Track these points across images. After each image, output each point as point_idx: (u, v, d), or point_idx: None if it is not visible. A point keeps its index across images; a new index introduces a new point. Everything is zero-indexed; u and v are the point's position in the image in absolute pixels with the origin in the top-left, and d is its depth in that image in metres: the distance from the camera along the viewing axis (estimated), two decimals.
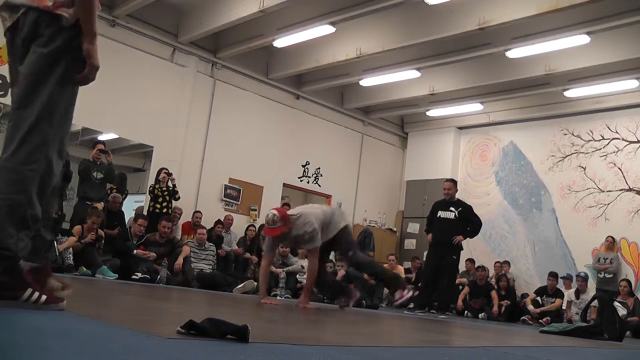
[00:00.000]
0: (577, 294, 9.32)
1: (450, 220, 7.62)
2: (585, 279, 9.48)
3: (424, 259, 8.81)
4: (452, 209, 7.66)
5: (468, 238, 7.97)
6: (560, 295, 9.54)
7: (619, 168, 10.69)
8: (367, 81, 10.98)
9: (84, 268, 6.63)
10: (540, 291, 9.79)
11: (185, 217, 9.10)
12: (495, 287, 9.96)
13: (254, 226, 10.04)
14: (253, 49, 9.97)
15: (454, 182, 8.07)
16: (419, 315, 7.23)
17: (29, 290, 2.05)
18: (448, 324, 6.17)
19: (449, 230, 7.55)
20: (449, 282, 7.85)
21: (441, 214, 7.72)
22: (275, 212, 5.14)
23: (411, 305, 8.66)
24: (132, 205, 9.32)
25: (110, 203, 8.17)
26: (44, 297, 2.08)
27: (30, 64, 2.09)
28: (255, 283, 8.16)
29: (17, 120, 2.06)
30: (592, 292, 9.39)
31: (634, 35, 8.41)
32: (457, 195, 8.06)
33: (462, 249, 7.84)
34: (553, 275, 9.72)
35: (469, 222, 7.76)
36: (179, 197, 8.73)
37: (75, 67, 2.15)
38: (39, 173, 2.06)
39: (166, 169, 8.71)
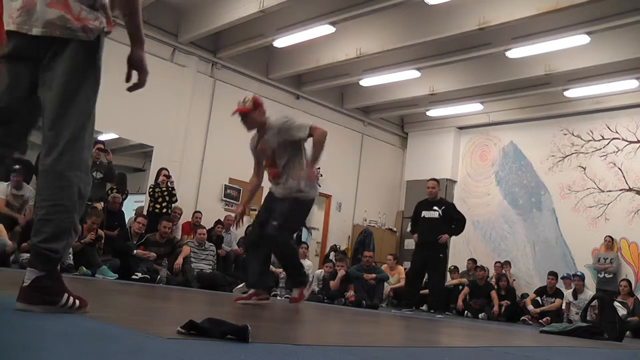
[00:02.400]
0: (575, 294, 9.32)
1: (434, 219, 7.73)
2: (582, 278, 9.48)
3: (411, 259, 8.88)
4: (435, 208, 7.77)
5: (453, 235, 8.12)
6: (560, 295, 9.54)
7: (619, 168, 10.69)
8: (367, 81, 10.98)
9: (84, 268, 6.62)
10: (540, 291, 9.78)
11: (185, 217, 9.09)
12: (495, 287, 9.96)
13: None
14: (253, 49, 9.97)
15: (437, 181, 8.17)
16: (407, 314, 7.27)
17: (66, 295, 2.05)
18: (448, 324, 6.17)
19: (434, 229, 7.65)
20: (439, 281, 7.94)
21: (425, 213, 7.84)
22: (247, 97, 4.75)
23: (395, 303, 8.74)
24: (132, 205, 9.32)
25: (110, 203, 8.16)
26: (77, 301, 2.09)
27: (66, 73, 2.04)
28: None
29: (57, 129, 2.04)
30: (591, 292, 9.39)
31: (634, 35, 8.41)
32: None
33: (448, 247, 7.92)
34: (553, 275, 9.71)
35: (453, 220, 7.85)
36: (176, 200, 8.71)
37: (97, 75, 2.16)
38: (82, 180, 2.06)
39: (166, 169, 8.70)
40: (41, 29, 1.99)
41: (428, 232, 7.68)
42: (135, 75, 2.23)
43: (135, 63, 2.22)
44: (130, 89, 2.25)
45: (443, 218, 7.72)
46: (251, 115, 4.73)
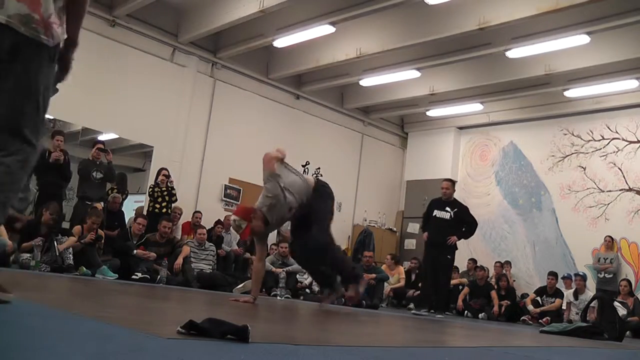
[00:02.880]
0: (576, 294, 9.31)
1: (445, 220, 7.63)
2: (584, 278, 9.47)
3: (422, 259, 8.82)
4: (447, 209, 7.66)
5: (463, 239, 7.98)
6: (560, 295, 9.53)
7: (619, 168, 10.69)
8: (367, 81, 10.98)
9: (84, 268, 6.62)
10: (540, 291, 9.78)
11: (185, 217, 9.09)
12: (495, 287, 9.96)
13: None
14: (253, 49, 9.97)
15: (452, 182, 8.06)
16: (422, 315, 7.23)
17: None
18: (448, 324, 6.17)
19: (444, 230, 7.55)
20: (445, 282, 7.88)
21: (437, 213, 7.72)
22: (234, 216, 4.85)
23: (411, 306, 8.66)
24: (132, 205, 9.32)
25: (110, 203, 8.16)
26: None
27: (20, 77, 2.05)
28: None
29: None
30: (591, 292, 9.38)
31: (634, 35, 8.41)
32: (457, 196, 8.05)
33: (457, 249, 7.85)
34: (553, 275, 9.71)
35: (464, 223, 7.77)
36: (176, 200, 8.71)
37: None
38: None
39: (166, 169, 8.70)
40: (6, 18, 1.98)
41: (437, 233, 7.57)
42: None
43: (68, 63, 2.25)
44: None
45: (454, 220, 7.62)
46: (255, 225, 4.74)
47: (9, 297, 2.04)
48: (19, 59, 2.02)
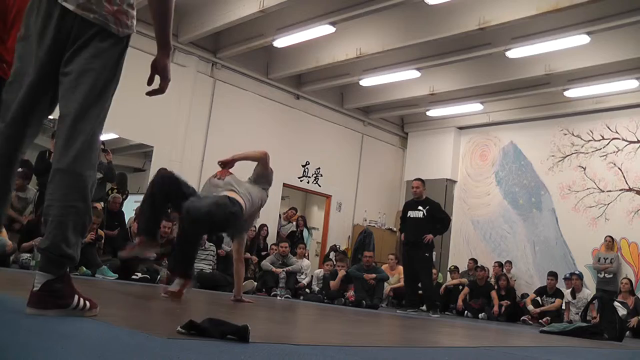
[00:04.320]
0: (573, 293, 9.32)
1: (419, 219, 7.84)
2: (580, 277, 9.49)
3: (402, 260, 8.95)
4: (420, 208, 7.88)
5: (438, 235, 8.24)
6: (560, 295, 9.54)
7: (619, 168, 10.69)
8: (367, 81, 10.98)
9: (84, 268, 6.62)
10: (540, 291, 9.79)
11: None
12: (495, 287, 9.96)
13: (254, 226, 10.03)
14: (253, 49, 9.97)
15: (422, 181, 8.26)
16: (412, 315, 7.29)
17: (77, 297, 2.00)
18: (448, 324, 6.17)
19: (419, 229, 7.77)
20: (428, 280, 8.01)
21: (411, 213, 7.97)
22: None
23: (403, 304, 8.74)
24: (132, 205, 9.31)
25: (110, 203, 8.16)
26: (87, 303, 2.04)
27: (92, 71, 1.97)
28: (255, 283, 8.16)
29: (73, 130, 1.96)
30: (589, 291, 9.40)
31: (634, 35, 8.41)
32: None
33: (434, 247, 8.05)
34: (553, 275, 9.72)
35: (437, 220, 7.93)
36: None
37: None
38: (94, 180, 2.00)
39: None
40: (74, 7, 1.90)
41: (413, 232, 7.83)
42: (157, 80, 2.20)
43: (161, 70, 2.20)
44: (149, 93, 2.22)
45: (427, 218, 7.81)
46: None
47: (94, 312, 2.06)
48: (89, 47, 1.94)
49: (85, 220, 1.98)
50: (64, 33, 1.92)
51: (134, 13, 2.09)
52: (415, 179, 8.28)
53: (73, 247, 1.95)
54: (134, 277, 6.99)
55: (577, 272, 9.64)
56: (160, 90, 2.22)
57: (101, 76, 1.98)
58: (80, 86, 1.95)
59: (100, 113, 2.04)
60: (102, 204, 7.85)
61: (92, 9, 1.93)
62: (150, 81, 2.20)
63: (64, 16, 1.91)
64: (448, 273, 11.23)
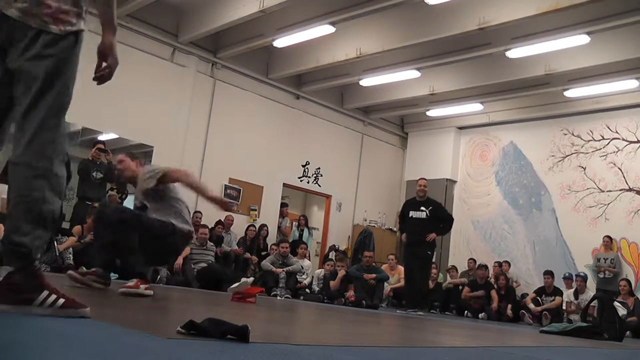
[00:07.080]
0: (576, 294, 9.33)
1: (422, 219, 7.83)
2: (585, 279, 9.49)
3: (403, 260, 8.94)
4: (422, 208, 7.86)
5: (441, 235, 8.26)
6: (559, 293, 9.57)
7: (619, 168, 10.69)
8: (367, 81, 10.98)
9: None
10: (540, 291, 9.80)
11: None
12: (495, 286, 9.97)
13: (254, 226, 10.06)
14: (253, 49, 9.97)
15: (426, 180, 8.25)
16: (412, 315, 7.29)
17: (45, 292, 1.90)
18: (448, 324, 6.17)
19: (422, 229, 7.77)
20: (421, 276, 7.99)
21: (413, 214, 7.91)
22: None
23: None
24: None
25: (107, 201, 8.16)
26: (61, 300, 1.93)
27: (37, 69, 1.96)
28: (250, 282, 8.14)
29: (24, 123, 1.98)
30: (592, 293, 9.39)
31: (634, 35, 8.41)
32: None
33: (436, 246, 8.04)
34: (549, 274, 9.78)
35: (441, 220, 7.91)
36: None
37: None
38: (52, 170, 1.97)
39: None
40: (17, 13, 1.92)
41: (415, 232, 7.77)
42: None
43: (107, 49, 2.14)
44: (96, 79, 2.16)
45: (430, 218, 7.79)
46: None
47: (85, 312, 2.00)
48: (32, 52, 1.95)
49: (42, 209, 1.93)
50: (4, 38, 1.95)
51: (81, 11, 2.05)
52: (421, 178, 8.24)
53: (27, 236, 1.89)
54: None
55: (581, 274, 9.64)
56: (108, 73, 2.16)
57: (48, 76, 1.97)
58: (30, 88, 1.96)
59: (53, 104, 1.99)
60: None
61: (32, 13, 1.94)
62: (97, 69, 2.15)
63: (6, 21, 1.94)
64: (447, 273, 11.23)
